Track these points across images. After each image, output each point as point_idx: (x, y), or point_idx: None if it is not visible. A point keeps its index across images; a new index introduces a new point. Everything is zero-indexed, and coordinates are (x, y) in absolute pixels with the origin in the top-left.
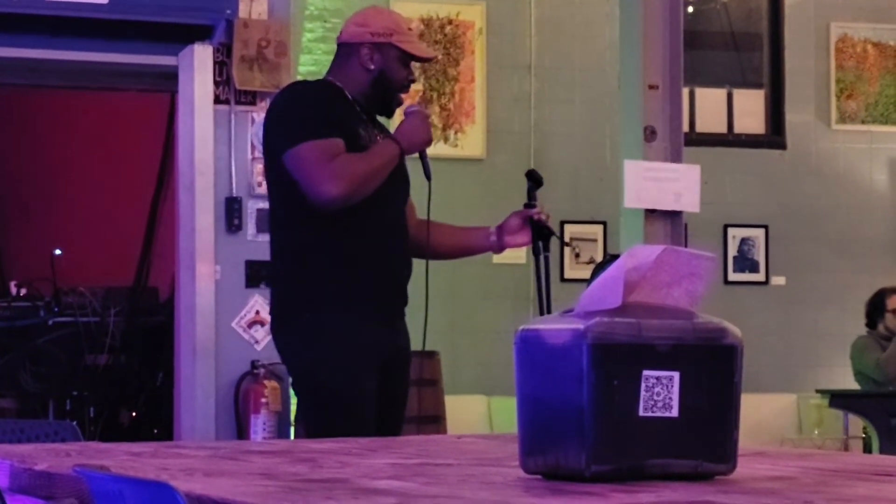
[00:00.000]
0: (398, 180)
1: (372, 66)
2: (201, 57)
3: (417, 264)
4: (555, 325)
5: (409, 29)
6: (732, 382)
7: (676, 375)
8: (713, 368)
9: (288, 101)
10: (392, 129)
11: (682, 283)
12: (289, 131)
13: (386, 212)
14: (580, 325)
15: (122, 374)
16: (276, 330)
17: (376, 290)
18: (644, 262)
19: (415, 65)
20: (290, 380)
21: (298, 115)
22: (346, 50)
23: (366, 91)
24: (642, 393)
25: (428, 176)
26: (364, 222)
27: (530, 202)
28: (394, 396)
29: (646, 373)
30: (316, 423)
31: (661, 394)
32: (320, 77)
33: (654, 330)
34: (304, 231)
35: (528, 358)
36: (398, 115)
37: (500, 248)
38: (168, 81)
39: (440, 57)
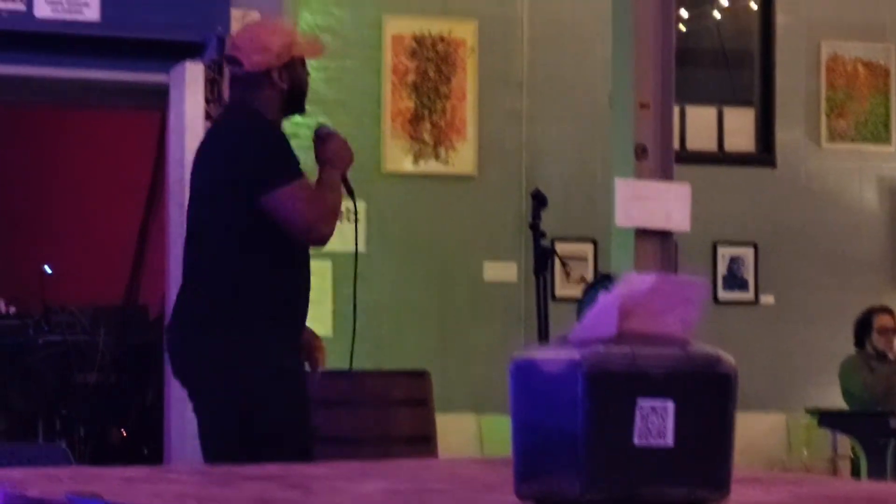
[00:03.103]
0: None
1: (285, 86)
2: (192, 74)
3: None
4: (550, 354)
5: (292, 29)
6: (727, 411)
7: (671, 404)
8: (708, 397)
9: (248, 142)
10: None
11: (675, 311)
12: (265, 173)
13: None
14: (575, 354)
15: (111, 392)
16: (201, 344)
17: (302, 314)
18: (638, 290)
19: (407, 84)
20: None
21: (270, 157)
22: (254, 78)
23: (282, 107)
24: (637, 421)
25: (352, 194)
26: (297, 254)
27: (534, 221)
28: None
29: (640, 401)
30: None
31: (656, 422)
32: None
33: (649, 358)
34: (253, 260)
35: (523, 386)
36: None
37: None
38: (159, 99)
39: (326, 49)
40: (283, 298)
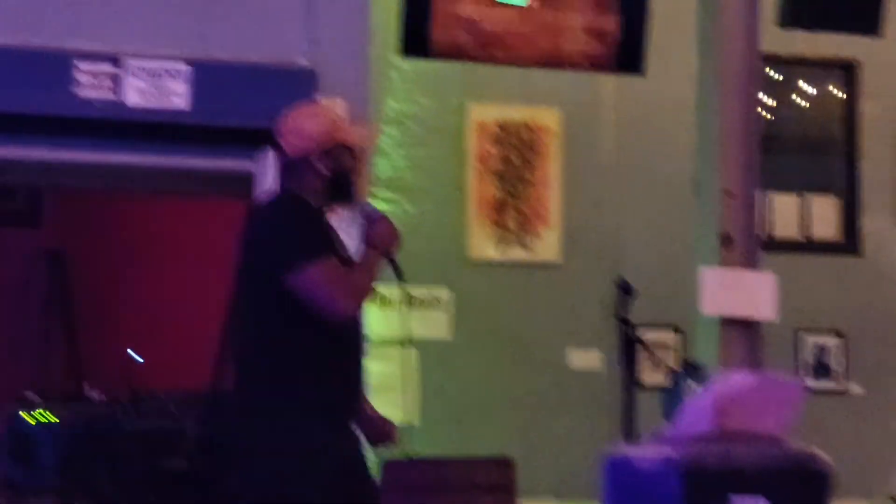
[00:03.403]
0: None
1: (326, 172)
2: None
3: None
4: (645, 451)
5: (343, 117)
6: None
7: (763, 501)
8: (802, 494)
9: (279, 222)
10: None
11: (772, 410)
12: (290, 254)
13: (355, 324)
14: (671, 452)
15: (198, 478)
16: (240, 431)
17: (347, 397)
18: (734, 388)
19: (492, 170)
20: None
21: (295, 237)
22: (297, 165)
23: (325, 193)
24: None
25: (399, 276)
26: (342, 335)
27: (621, 310)
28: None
29: (735, 499)
30: None
31: None
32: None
33: (744, 456)
34: (292, 342)
35: (617, 483)
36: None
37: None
38: (245, 186)
39: (372, 135)
40: (326, 376)
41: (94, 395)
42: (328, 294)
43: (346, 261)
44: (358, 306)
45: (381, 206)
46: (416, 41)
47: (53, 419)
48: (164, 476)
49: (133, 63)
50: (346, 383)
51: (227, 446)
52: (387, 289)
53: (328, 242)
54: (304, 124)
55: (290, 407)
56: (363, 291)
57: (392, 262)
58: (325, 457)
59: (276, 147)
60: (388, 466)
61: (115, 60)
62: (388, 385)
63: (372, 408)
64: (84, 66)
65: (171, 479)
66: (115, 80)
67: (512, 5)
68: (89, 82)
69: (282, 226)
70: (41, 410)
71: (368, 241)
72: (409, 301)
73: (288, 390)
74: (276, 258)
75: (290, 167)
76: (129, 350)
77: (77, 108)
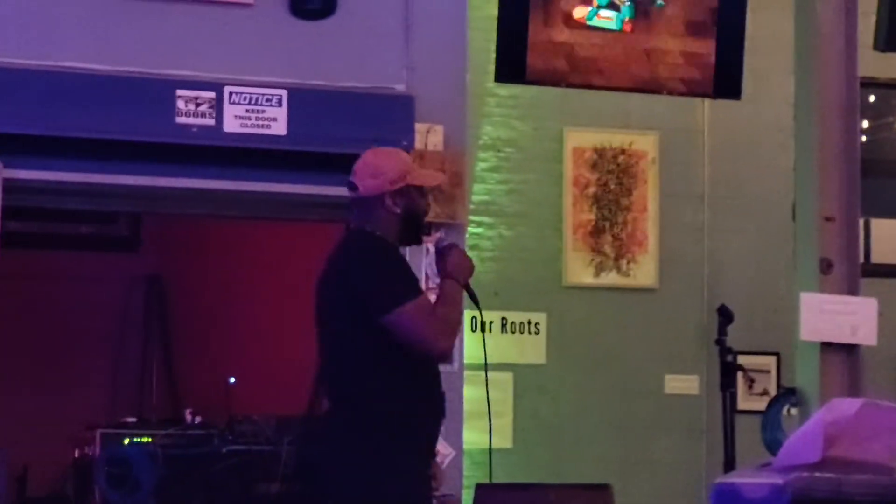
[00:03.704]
0: None
1: (398, 210)
2: None
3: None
4: (753, 480)
5: (414, 160)
6: None
7: None
8: None
9: (369, 261)
10: None
11: (882, 438)
12: (386, 293)
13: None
14: (779, 480)
15: (293, 503)
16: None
17: (434, 428)
18: (843, 416)
19: (588, 196)
20: None
21: (389, 276)
22: (370, 202)
23: (398, 232)
24: None
25: (476, 302)
26: (429, 368)
27: (720, 337)
28: None
29: None
30: None
31: None
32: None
33: (855, 486)
34: (386, 378)
35: None
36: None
37: None
38: (344, 211)
39: (444, 179)
40: (413, 413)
41: (192, 418)
42: (425, 333)
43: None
44: (451, 342)
45: (477, 230)
46: (513, 67)
47: (151, 442)
48: (258, 500)
49: (232, 90)
50: (433, 416)
51: (322, 472)
52: (482, 314)
53: (415, 280)
54: (379, 164)
55: (381, 438)
56: (455, 325)
57: (468, 289)
58: (419, 484)
59: (349, 186)
60: (481, 490)
61: (215, 87)
62: (481, 411)
63: None
64: (184, 93)
65: (266, 502)
66: (215, 106)
67: (607, 30)
68: (189, 109)
69: (372, 265)
70: (139, 434)
71: (447, 273)
72: (506, 326)
73: (379, 422)
74: (370, 298)
75: (363, 205)
76: (229, 378)
77: (177, 134)
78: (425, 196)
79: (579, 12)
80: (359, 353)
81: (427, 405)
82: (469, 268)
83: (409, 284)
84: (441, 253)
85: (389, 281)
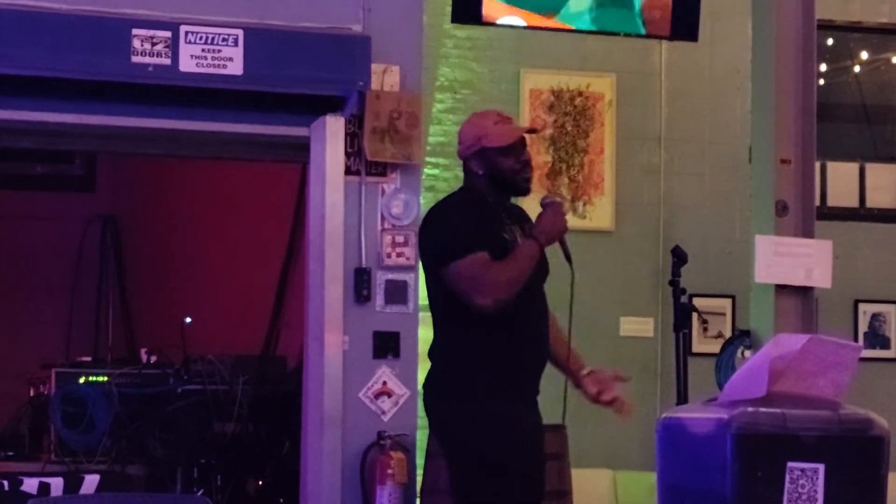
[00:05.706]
0: (539, 269)
1: (481, 172)
2: (333, 128)
3: None
4: (698, 414)
5: (497, 121)
6: (879, 474)
7: (822, 468)
8: (859, 460)
9: (436, 221)
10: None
11: (827, 373)
12: (441, 251)
13: (530, 303)
14: (724, 415)
15: (249, 442)
16: (438, 413)
17: (526, 376)
18: (789, 351)
19: (545, 138)
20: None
21: (447, 233)
22: (464, 165)
23: (491, 189)
24: (787, 485)
25: (569, 259)
26: (513, 316)
27: (674, 278)
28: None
29: (790, 465)
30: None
31: (806, 486)
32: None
33: (800, 421)
34: (461, 328)
35: (670, 446)
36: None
37: (583, 391)
38: (300, 152)
39: (541, 127)
40: (500, 359)
41: (147, 358)
42: (469, 290)
43: (506, 249)
44: (498, 301)
45: (433, 171)
46: (469, 8)
47: (106, 381)
48: (215, 438)
49: (187, 30)
50: (522, 361)
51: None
52: (574, 273)
53: (487, 236)
54: (463, 129)
55: (472, 386)
56: (505, 284)
57: (563, 246)
58: (517, 423)
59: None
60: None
61: (170, 27)
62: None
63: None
64: (140, 32)
65: (222, 442)
66: (170, 45)
67: None
68: (145, 49)
69: (441, 221)
70: (94, 373)
71: (531, 230)
72: None
73: (468, 369)
74: (433, 252)
75: (463, 166)
76: (185, 318)
77: (133, 74)
78: (511, 153)
79: None
80: (437, 301)
81: (514, 350)
82: (559, 227)
83: (467, 241)
84: (542, 209)
85: (447, 238)
